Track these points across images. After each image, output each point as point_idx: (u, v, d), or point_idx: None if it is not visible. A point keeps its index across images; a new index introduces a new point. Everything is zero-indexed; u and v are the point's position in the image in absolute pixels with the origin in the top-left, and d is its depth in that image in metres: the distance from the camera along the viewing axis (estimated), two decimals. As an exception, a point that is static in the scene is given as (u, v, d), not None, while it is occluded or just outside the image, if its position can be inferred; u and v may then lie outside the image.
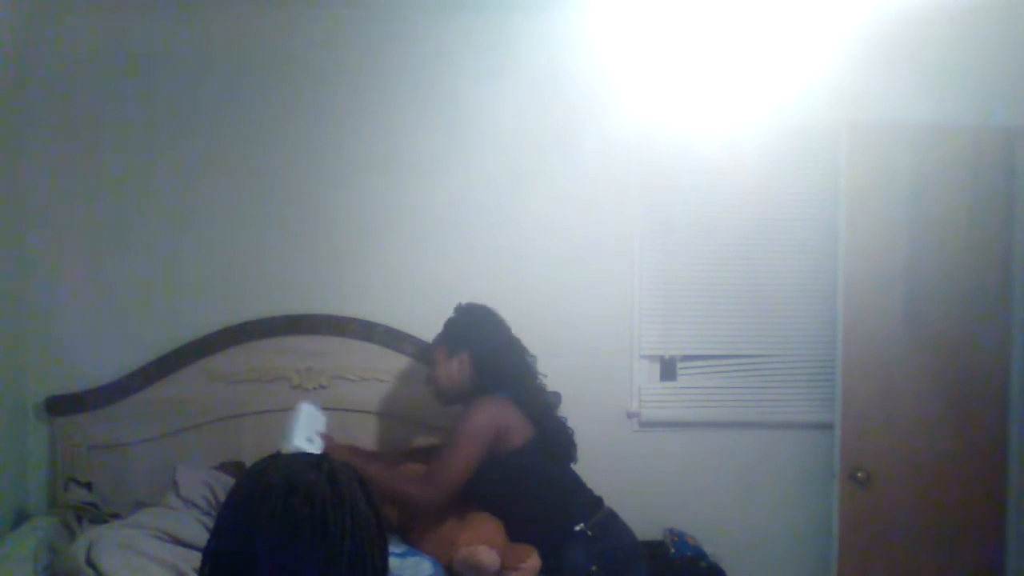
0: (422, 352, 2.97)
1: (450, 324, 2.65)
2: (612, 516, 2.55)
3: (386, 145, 3.01)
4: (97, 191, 2.92)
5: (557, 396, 3.01)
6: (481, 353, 2.54)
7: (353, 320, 2.97)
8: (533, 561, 2.37)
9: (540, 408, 2.57)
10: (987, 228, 3.04)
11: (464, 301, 2.66)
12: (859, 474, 2.98)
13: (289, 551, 1.16)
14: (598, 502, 2.56)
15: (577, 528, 2.45)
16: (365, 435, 2.93)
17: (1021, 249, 3.04)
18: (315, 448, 2.26)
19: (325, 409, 2.91)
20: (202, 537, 2.35)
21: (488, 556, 2.35)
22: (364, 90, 3.00)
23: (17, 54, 2.80)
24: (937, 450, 3.02)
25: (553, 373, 3.01)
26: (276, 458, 1.27)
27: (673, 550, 2.90)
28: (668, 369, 3.17)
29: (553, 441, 2.54)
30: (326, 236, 3.00)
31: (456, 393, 2.61)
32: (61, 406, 2.84)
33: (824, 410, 3.09)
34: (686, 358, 3.18)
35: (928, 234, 3.02)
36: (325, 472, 1.22)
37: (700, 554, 2.88)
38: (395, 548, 2.46)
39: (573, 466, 2.63)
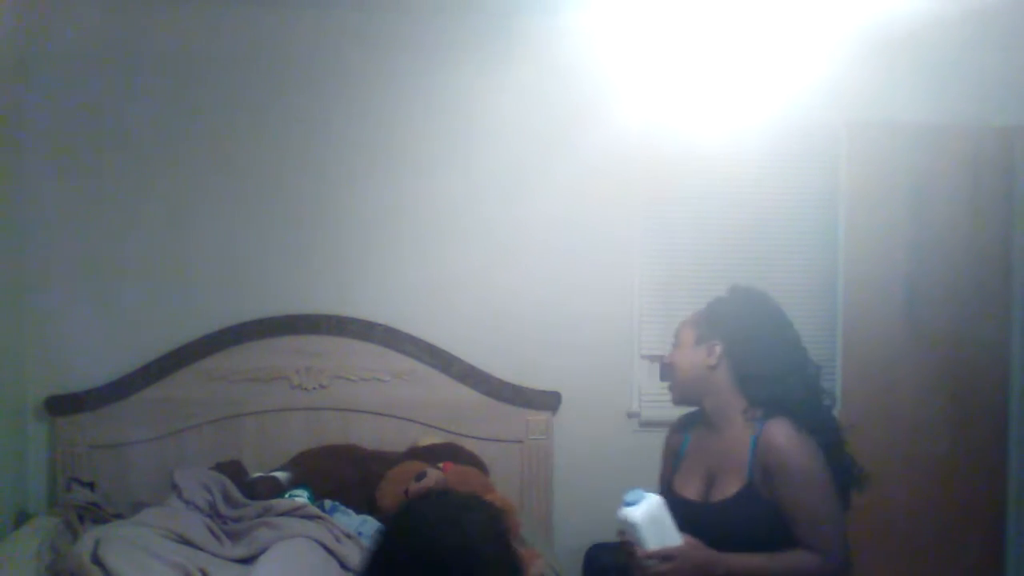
0: (422, 352, 2.98)
1: (712, 305, 2.00)
2: None
3: (387, 145, 3.01)
4: (97, 191, 2.92)
5: (557, 396, 3.02)
6: (742, 351, 1.89)
7: (353, 320, 2.97)
8: (536, 568, 2.36)
9: (828, 441, 1.87)
10: (987, 228, 3.04)
11: (736, 283, 2.04)
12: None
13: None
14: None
15: None
16: (365, 435, 2.93)
17: (1021, 249, 3.05)
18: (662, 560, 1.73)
19: (324, 410, 2.94)
20: (207, 538, 2.36)
21: None
22: (365, 90, 3.00)
23: (17, 54, 2.80)
24: (937, 450, 3.02)
25: (553, 373, 3.02)
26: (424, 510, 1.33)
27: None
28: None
29: (842, 485, 1.89)
30: (326, 236, 3.00)
31: (694, 393, 1.97)
32: (61, 406, 2.84)
33: (824, 410, 3.09)
34: (686, 358, 3.16)
35: (928, 234, 3.02)
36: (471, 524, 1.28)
37: (700, 554, 2.86)
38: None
39: None
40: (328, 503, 2.59)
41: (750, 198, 3.12)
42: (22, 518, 2.72)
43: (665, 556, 1.72)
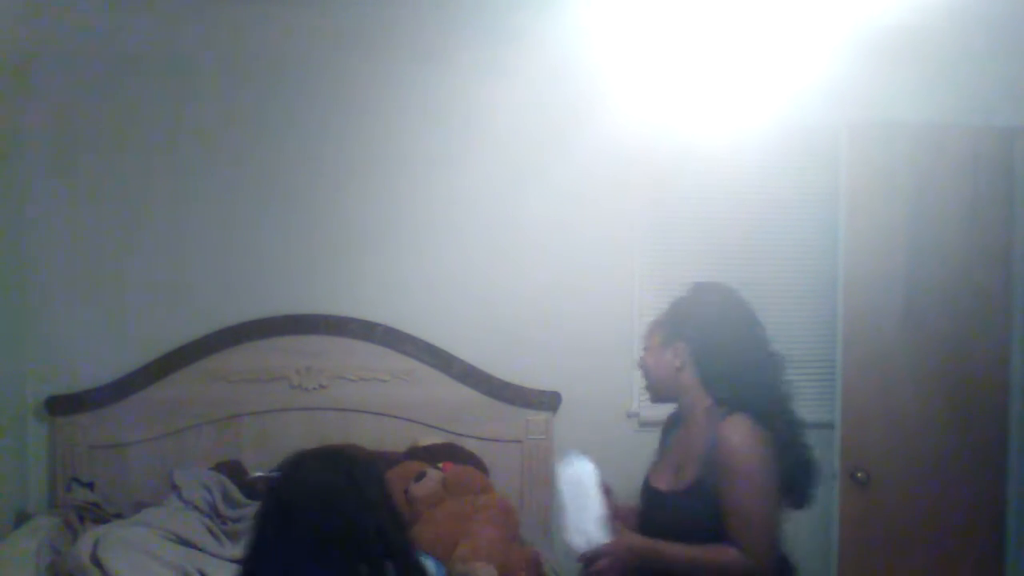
0: (422, 352, 2.98)
1: (674, 305, 2.04)
2: None
3: (385, 145, 3.01)
4: (96, 191, 2.92)
5: (557, 396, 3.02)
6: (703, 350, 1.93)
7: (353, 320, 2.97)
8: (534, 568, 2.36)
9: (787, 439, 1.91)
10: (987, 228, 3.04)
11: (699, 280, 2.08)
12: (859, 474, 2.97)
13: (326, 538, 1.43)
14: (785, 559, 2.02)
15: None
16: (365, 435, 2.93)
17: (1021, 249, 3.04)
18: (598, 538, 1.82)
19: (324, 410, 2.94)
20: (207, 538, 2.36)
21: (485, 573, 2.33)
22: (364, 90, 3.00)
23: (17, 53, 2.80)
24: (937, 450, 3.02)
25: (553, 373, 3.02)
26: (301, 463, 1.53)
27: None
28: (668, 369, 3.14)
29: (799, 484, 1.93)
30: (325, 236, 3.00)
31: (667, 392, 2.04)
32: (61, 406, 2.85)
33: (824, 410, 3.09)
34: (686, 358, 3.16)
35: (928, 234, 3.01)
36: (343, 471, 1.48)
37: (700, 554, 2.86)
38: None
39: None
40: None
41: (750, 198, 3.12)
42: (22, 518, 2.72)
43: (594, 556, 1.81)
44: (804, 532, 3.10)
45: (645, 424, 3.11)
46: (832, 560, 3.01)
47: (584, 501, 1.86)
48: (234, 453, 2.86)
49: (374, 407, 2.97)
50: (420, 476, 2.66)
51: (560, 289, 3.05)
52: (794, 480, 1.91)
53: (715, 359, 1.92)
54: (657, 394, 2.08)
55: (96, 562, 2.14)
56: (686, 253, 3.13)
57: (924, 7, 2.88)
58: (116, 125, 2.92)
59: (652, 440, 3.11)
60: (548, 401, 3.02)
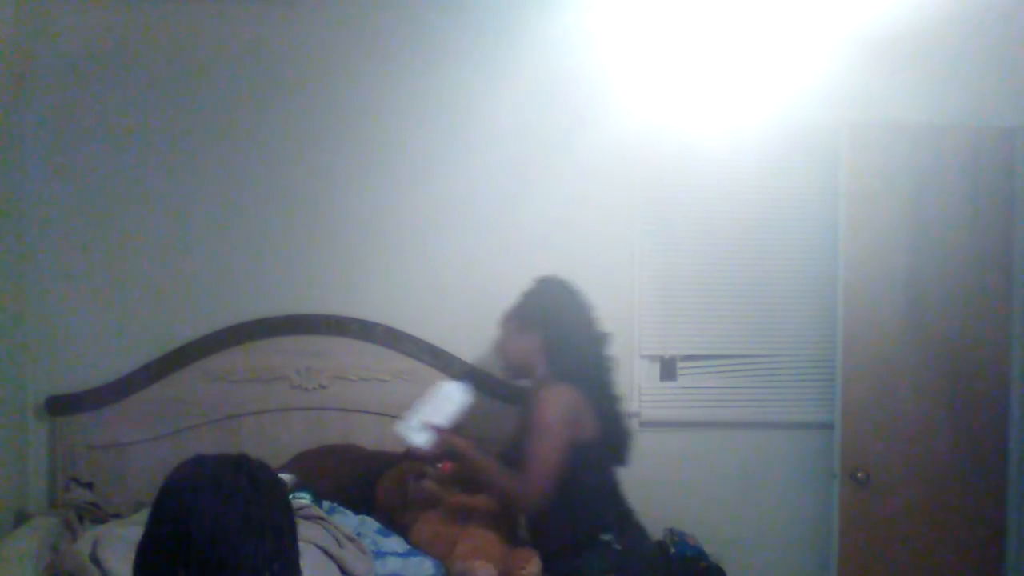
0: (422, 352, 2.98)
1: (524, 297, 2.51)
2: (640, 531, 2.45)
3: (386, 144, 3.01)
4: (96, 191, 2.92)
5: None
6: (553, 337, 2.40)
7: (353, 320, 2.97)
8: (532, 567, 2.36)
9: (609, 405, 2.44)
10: (987, 228, 3.04)
11: (543, 274, 2.54)
12: (859, 474, 2.98)
13: (222, 534, 1.30)
14: (629, 514, 2.46)
15: (604, 538, 2.35)
16: (365, 435, 2.93)
17: (1021, 249, 3.05)
18: (422, 438, 2.32)
19: (324, 410, 2.94)
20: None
21: (485, 572, 2.33)
22: (364, 89, 3.00)
23: (17, 54, 2.80)
24: (937, 450, 3.02)
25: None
26: (199, 461, 1.44)
27: (673, 550, 2.89)
28: (668, 369, 3.17)
29: (615, 442, 2.44)
30: (326, 236, 3.00)
31: (523, 370, 2.50)
32: (61, 406, 2.84)
33: (824, 410, 3.10)
34: (686, 358, 3.18)
35: (928, 234, 3.02)
36: (245, 472, 1.37)
37: (700, 554, 2.88)
38: (398, 548, 2.46)
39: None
40: (327, 505, 2.58)
41: (750, 198, 3.12)
42: (22, 518, 2.72)
43: (430, 427, 2.32)
44: (804, 532, 3.14)
45: (645, 424, 3.11)
46: (832, 560, 3.01)
47: (435, 408, 2.35)
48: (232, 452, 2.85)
49: (374, 407, 2.96)
50: (419, 476, 2.65)
51: (560, 289, 3.05)
52: (616, 439, 2.43)
53: (558, 340, 2.38)
54: (514, 373, 2.53)
55: (95, 561, 2.13)
56: (686, 253, 3.13)
57: (924, 7, 2.89)
58: (116, 125, 2.92)
59: (652, 440, 3.14)
60: (548, 401, 3.01)
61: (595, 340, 2.44)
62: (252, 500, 1.33)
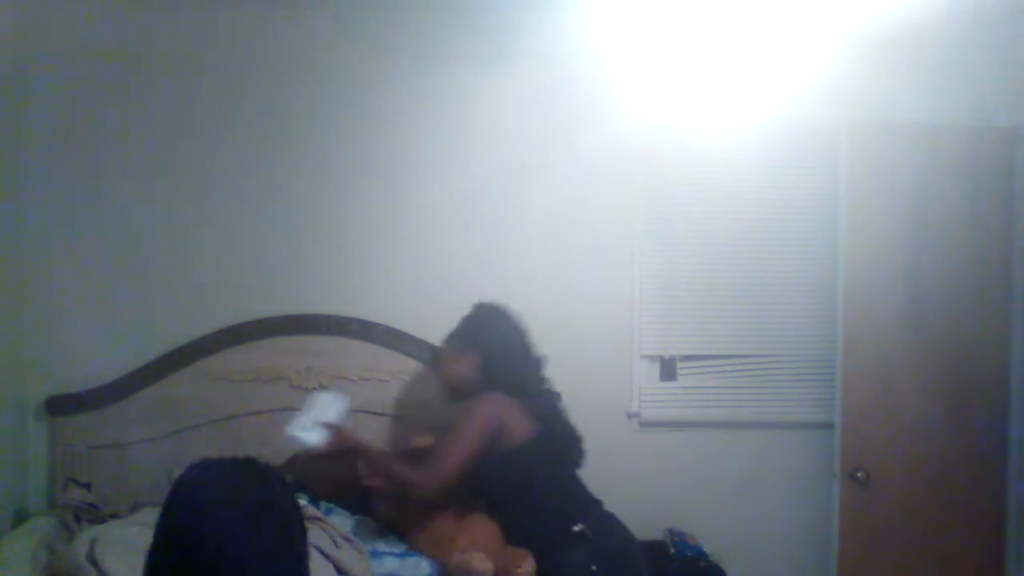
0: (422, 352, 2.98)
1: (463, 322, 2.67)
2: (610, 517, 2.54)
3: (387, 144, 3.01)
4: (97, 191, 2.91)
5: (557, 396, 3.02)
6: (489, 354, 2.57)
7: (353, 320, 2.97)
8: (527, 566, 2.37)
9: (544, 409, 2.58)
10: (987, 228, 3.04)
11: (480, 300, 2.67)
12: (859, 474, 2.98)
13: (232, 540, 1.29)
14: (597, 504, 2.56)
15: (576, 529, 2.44)
16: (365, 435, 2.92)
17: (1021, 249, 3.04)
18: (314, 438, 2.37)
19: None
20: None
21: (482, 563, 2.34)
22: (364, 89, 3.00)
23: (17, 54, 2.80)
24: (937, 450, 3.02)
25: (553, 373, 3.01)
26: (208, 464, 1.40)
27: (673, 550, 2.90)
28: (668, 369, 3.17)
29: (555, 442, 2.55)
30: (326, 236, 3.00)
31: (463, 392, 2.62)
32: (61, 406, 2.84)
33: (824, 410, 3.10)
34: (686, 358, 3.18)
35: (928, 234, 3.02)
36: (255, 475, 1.38)
37: (700, 554, 2.88)
38: (394, 548, 2.47)
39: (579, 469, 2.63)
40: (324, 505, 2.59)
41: (750, 198, 3.12)
42: (21, 518, 2.71)
43: (322, 427, 2.39)
44: (804, 532, 3.14)
45: (645, 424, 3.12)
46: (832, 560, 3.01)
47: (325, 411, 2.42)
48: (234, 453, 2.83)
49: (374, 407, 2.96)
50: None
51: (560, 289, 3.05)
52: (556, 440, 2.55)
53: (494, 357, 2.55)
54: (455, 395, 2.64)
55: (93, 561, 2.13)
56: (686, 253, 3.13)
57: (924, 7, 2.89)
58: (116, 125, 2.92)
59: (653, 440, 3.15)
60: (548, 401, 3.02)
61: (530, 357, 2.60)
62: (262, 503, 1.34)
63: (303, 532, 1.39)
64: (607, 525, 2.51)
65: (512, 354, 2.58)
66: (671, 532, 2.99)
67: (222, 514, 1.30)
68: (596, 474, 2.71)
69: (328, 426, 2.41)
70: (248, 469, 1.39)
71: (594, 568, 2.38)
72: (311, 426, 2.39)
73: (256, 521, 1.31)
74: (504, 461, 2.47)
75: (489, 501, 2.54)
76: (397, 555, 2.41)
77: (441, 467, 2.41)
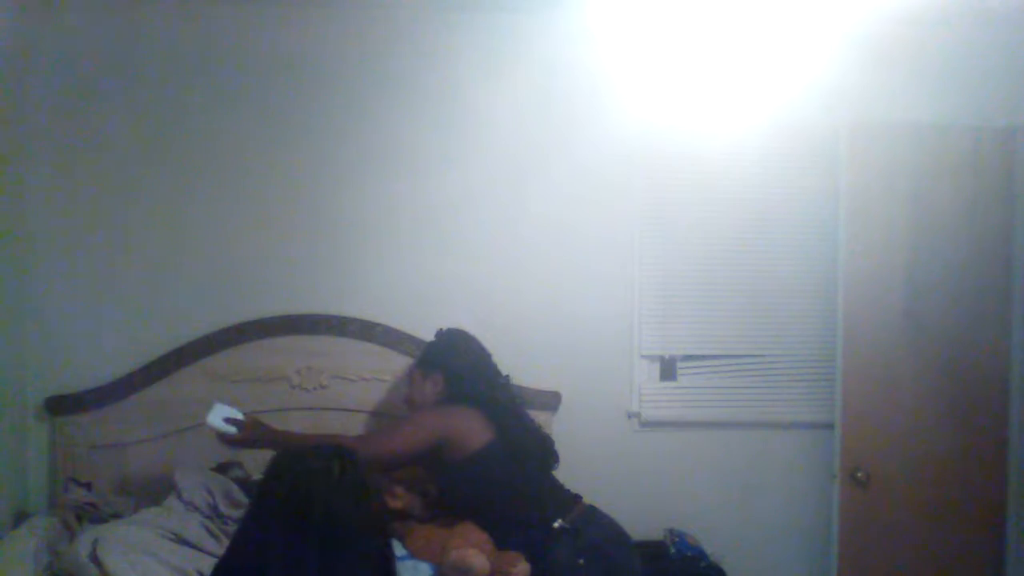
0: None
1: (428, 347, 2.75)
2: (591, 510, 2.54)
3: (385, 145, 3.01)
4: (96, 191, 2.92)
5: (557, 396, 3.02)
6: (452, 374, 2.63)
7: (353, 320, 2.98)
8: (522, 567, 2.37)
9: (506, 414, 2.60)
10: (987, 228, 3.04)
11: (443, 326, 2.75)
12: (859, 474, 2.98)
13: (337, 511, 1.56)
14: (575, 498, 2.56)
15: (556, 525, 2.45)
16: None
17: (1021, 249, 3.05)
18: (229, 429, 2.41)
19: (324, 410, 2.97)
20: (205, 539, 2.36)
21: (478, 560, 2.34)
22: (363, 89, 3.00)
23: (17, 55, 2.80)
24: (937, 450, 3.02)
25: (553, 373, 3.02)
26: (300, 451, 1.70)
27: (673, 550, 2.90)
28: (668, 369, 3.17)
29: (517, 445, 2.56)
30: (326, 236, 3.00)
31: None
32: (61, 406, 2.84)
33: (824, 410, 3.10)
34: (686, 358, 3.18)
35: (928, 234, 3.02)
36: (346, 461, 1.61)
37: (700, 554, 2.88)
38: (396, 551, 2.46)
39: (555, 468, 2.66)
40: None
41: (750, 198, 3.12)
42: (22, 518, 2.71)
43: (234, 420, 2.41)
44: (804, 532, 3.14)
45: (645, 424, 3.12)
46: (832, 560, 3.01)
47: (225, 410, 2.43)
48: (234, 453, 2.84)
49: (373, 407, 2.96)
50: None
51: (560, 289, 3.05)
52: (517, 442, 2.55)
53: (456, 376, 2.63)
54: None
55: (95, 561, 2.14)
56: (686, 253, 3.13)
57: (923, 7, 2.89)
58: (116, 126, 2.92)
59: (653, 440, 3.15)
60: (548, 401, 3.01)
61: (489, 370, 2.68)
62: (357, 483, 1.59)
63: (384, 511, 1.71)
64: (588, 517, 2.51)
65: (472, 372, 2.64)
66: (671, 532, 2.99)
67: (325, 490, 1.55)
68: (596, 474, 2.72)
69: (238, 420, 2.42)
70: (336, 455, 1.63)
71: (581, 562, 2.39)
72: (226, 416, 2.41)
73: (355, 496, 1.57)
74: (465, 470, 2.49)
75: (466, 512, 2.53)
76: (397, 558, 2.40)
77: (371, 446, 2.43)
